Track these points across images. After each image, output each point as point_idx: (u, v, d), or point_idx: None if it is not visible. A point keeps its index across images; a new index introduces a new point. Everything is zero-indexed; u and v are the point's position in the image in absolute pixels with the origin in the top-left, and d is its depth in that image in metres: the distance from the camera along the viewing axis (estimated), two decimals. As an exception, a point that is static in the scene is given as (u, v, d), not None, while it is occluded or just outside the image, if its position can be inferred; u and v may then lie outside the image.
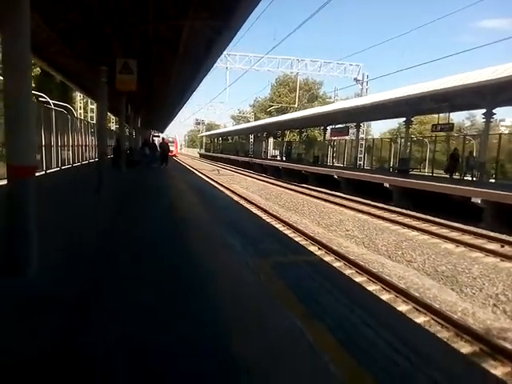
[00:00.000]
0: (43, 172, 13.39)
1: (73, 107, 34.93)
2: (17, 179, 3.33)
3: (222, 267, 3.82)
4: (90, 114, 38.50)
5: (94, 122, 33.61)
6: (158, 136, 55.79)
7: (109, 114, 33.63)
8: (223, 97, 78.68)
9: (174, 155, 50.61)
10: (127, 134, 23.46)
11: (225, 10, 8.17)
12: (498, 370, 4.39)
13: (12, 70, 3.16)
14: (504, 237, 10.69)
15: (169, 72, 15.88)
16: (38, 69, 29.49)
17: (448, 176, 20.41)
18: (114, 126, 41.22)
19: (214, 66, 20.78)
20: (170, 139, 55.66)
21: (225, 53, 29.03)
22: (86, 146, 22.29)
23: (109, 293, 3.01)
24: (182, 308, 2.78)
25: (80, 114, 35.00)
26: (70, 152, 18.34)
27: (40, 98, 23.00)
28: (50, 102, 21.30)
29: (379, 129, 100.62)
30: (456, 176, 20.95)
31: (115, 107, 16.10)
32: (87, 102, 36.21)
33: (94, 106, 37.53)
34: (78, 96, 36.21)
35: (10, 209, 3.31)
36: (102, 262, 3.80)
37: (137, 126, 24.17)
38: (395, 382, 2.00)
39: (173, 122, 52.35)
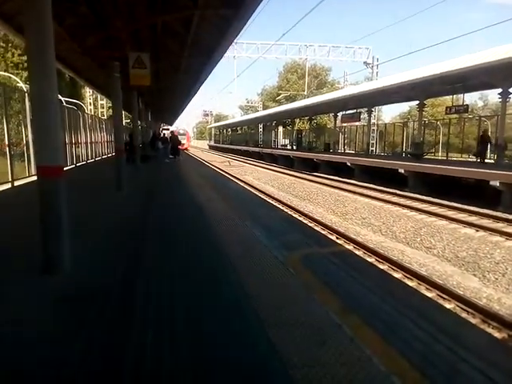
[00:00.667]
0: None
1: (83, 103, 35.15)
2: (47, 179, 3.38)
3: (255, 261, 3.84)
4: (100, 110, 38.76)
5: (105, 117, 33.87)
6: (168, 129, 55.62)
7: (118, 108, 33.82)
8: (231, 87, 78.06)
9: (186, 149, 48.95)
10: (140, 128, 23.55)
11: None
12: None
13: (38, 76, 3.21)
14: (525, 220, 10.54)
15: (178, 64, 15.83)
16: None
17: (479, 161, 18.48)
18: (124, 121, 41.46)
19: (223, 55, 20.60)
20: (181, 131, 53.49)
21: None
22: (98, 142, 22.45)
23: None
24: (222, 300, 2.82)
25: (90, 110, 35.19)
26: (83, 149, 18.50)
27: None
28: (62, 99, 21.46)
29: (390, 113, 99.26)
30: (490, 160, 19.43)
31: (126, 102, 16.12)
32: (96, 97, 36.35)
33: (104, 102, 37.76)
34: (88, 92, 36.37)
35: (41, 208, 3.36)
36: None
37: (147, 120, 24.21)
38: (438, 371, 2.00)
39: (183, 112, 52.48)
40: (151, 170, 15.16)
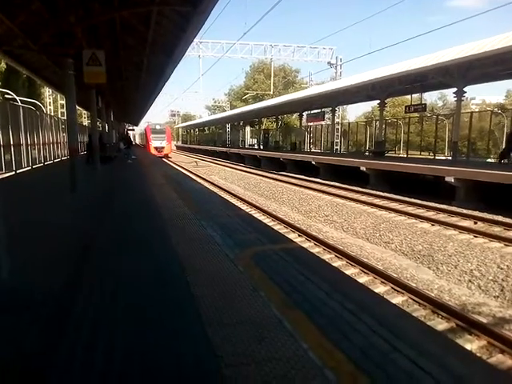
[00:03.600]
0: (13, 172, 12.96)
1: (42, 103, 33.83)
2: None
3: (205, 260, 3.79)
4: (60, 110, 37.43)
5: (65, 117, 32.66)
6: (133, 129, 54.10)
7: (80, 108, 32.80)
8: (197, 87, 77.40)
9: (166, 155, 39.59)
10: (100, 128, 22.90)
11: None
12: (474, 345, 4.55)
13: None
14: (476, 213, 11.03)
15: (139, 62, 15.54)
16: (4, 65, 28.34)
17: (506, 162, 16.03)
18: (86, 121, 40.19)
19: (187, 54, 20.41)
20: (158, 127, 43.56)
21: (196, 40, 28.57)
22: (57, 143, 21.64)
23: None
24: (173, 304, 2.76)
25: (50, 110, 33.91)
26: (41, 150, 17.79)
27: (6, 96, 22.13)
28: (17, 98, 20.55)
29: (355, 112, 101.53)
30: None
31: (85, 101, 15.67)
32: (56, 97, 35.09)
33: (64, 102, 36.45)
34: (47, 92, 35.05)
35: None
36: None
37: (109, 119, 23.58)
38: (372, 362, 2.03)
39: (147, 114, 50.99)
40: (111, 171, 14.78)
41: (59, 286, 3.12)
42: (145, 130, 45.85)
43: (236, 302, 2.81)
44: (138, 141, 61.74)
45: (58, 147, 21.64)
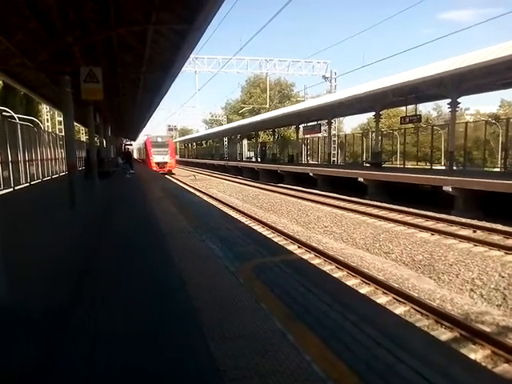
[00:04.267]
0: (11, 189, 12.94)
1: (39, 120, 33.97)
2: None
3: (205, 273, 3.77)
4: (58, 127, 37.59)
5: (63, 134, 32.77)
6: (131, 144, 54.08)
7: (77, 124, 32.95)
8: (194, 101, 77.92)
9: (169, 170, 36.25)
10: (98, 143, 22.98)
11: (189, 12, 8.11)
12: (478, 354, 4.51)
13: None
14: (475, 222, 11.04)
15: (136, 79, 15.67)
16: (1, 82, 28.52)
17: None
18: (84, 137, 40.33)
19: (183, 69, 20.61)
20: (159, 139, 38.45)
21: (192, 56, 28.86)
22: (55, 159, 21.67)
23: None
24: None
25: (47, 126, 34.04)
26: (40, 166, 17.80)
27: (4, 113, 22.21)
28: (15, 116, 20.63)
29: (351, 125, 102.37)
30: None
31: (83, 117, 15.74)
32: (54, 114, 35.28)
33: (62, 118, 36.62)
34: (45, 108, 35.23)
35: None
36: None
37: (107, 135, 23.68)
38: (376, 374, 2.01)
39: (144, 129, 51.07)
40: (110, 186, 14.77)
41: (58, 302, 3.09)
42: (144, 143, 41.35)
43: (238, 315, 2.79)
44: (135, 155, 60.27)
45: (56, 163, 21.67)
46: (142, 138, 57.90)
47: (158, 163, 35.75)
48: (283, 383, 1.95)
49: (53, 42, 9.33)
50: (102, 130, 20.53)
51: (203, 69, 31.88)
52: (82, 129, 41.22)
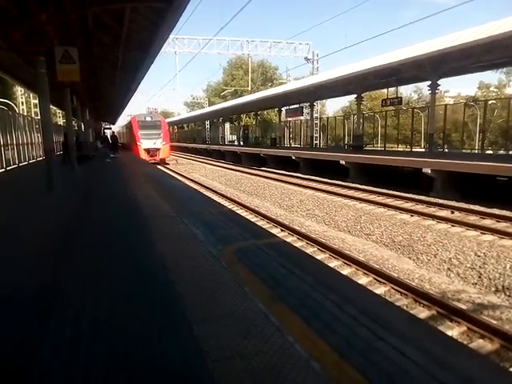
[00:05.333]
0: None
1: (14, 103, 32.85)
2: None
3: (188, 257, 3.76)
4: (34, 110, 36.52)
5: (39, 117, 31.75)
6: (110, 128, 52.90)
7: (54, 107, 31.97)
8: (174, 83, 76.52)
9: (163, 159, 29.21)
10: (76, 127, 22.42)
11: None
12: (454, 331, 4.67)
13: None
14: (453, 203, 11.31)
15: (115, 60, 15.24)
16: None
17: None
18: (61, 121, 39.25)
19: (162, 50, 20.12)
20: (148, 118, 30.38)
21: (172, 37, 28.24)
22: (32, 143, 21.05)
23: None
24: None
25: (22, 110, 32.96)
26: (15, 151, 17.27)
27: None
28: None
29: (333, 107, 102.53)
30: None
31: (59, 100, 15.28)
32: (29, 96, 34.13)
33: (37, 101, 35.47)
34: (19, 91, 34.04)
35: None
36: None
37: (85, 118, 23.08)
38: (356, 351, 2.06)
39: (124, 112, 49.89)
40: (89, 171, 14.48)
41: (37, 286, 3.04)
42: (128, 124, 33.10)
43: (220, 297, 2.80)
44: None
45: (32, 148, 21.06)
46: (121, 121, 56.35)
47: (147, 150, 28.24)
48: (266, 363, 1.97)
49: (26, 21, 8.93)
50: (79, 113, 19.98)
51: (183, 50, 31.25)
52: (59, 112, 40.07)
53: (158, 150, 28.42)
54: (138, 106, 72.17)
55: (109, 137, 25.33)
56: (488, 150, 23.07)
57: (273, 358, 2.02)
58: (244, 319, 2.46)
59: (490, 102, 28.93)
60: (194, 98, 64.52)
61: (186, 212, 6.12)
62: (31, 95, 32.67)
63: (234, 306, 2.66)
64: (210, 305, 2.67)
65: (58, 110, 38.57)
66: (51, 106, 13.17)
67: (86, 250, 4.18)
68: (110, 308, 2.71)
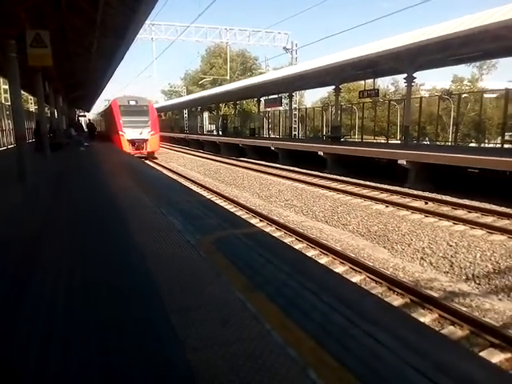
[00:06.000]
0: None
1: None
2: None
3: (166, 246, 3.73)
4: (4, 95, 35.19)
5: (9, 103, 30.61)
6: (85, 115, 51.50)
7: (26, 94, 30.83)
8: (151, 71, 74.96)
9: (152, 153, 25.24)
10: (48, 114, 21.73)
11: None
12: (427, 318, 4.83)
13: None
14: (427, 194, 11.61)
15: (89, 45, 14.80)
16: None
17: None
18: (33, 107, 37.93)
19: (139, 37, 19.66)
20: (132, 102, 25.22)
21: (148, 22, 27.59)
22: (2, 130, 20.31)
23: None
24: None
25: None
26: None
27: None
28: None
29: (312, 98, 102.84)
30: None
31: (31, 86, 14.73)
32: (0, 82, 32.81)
33: (8, 87, 34.10)
34: (-13, 75, 32.63)
35: None
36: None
37: (59, 105, 22.38)
38: (332, 338, 2.10)
39: (99, 100, 48.66)
40: (63, 159, 14.10)
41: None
42: (109, 108, 27.92)
43: (198, 287, 2.79)
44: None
45: (3, 134, 20.34)
46: (97, 108, 54.68)
47: (132, 141, 23.87)
48: (243, 351, 1.99)
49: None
50: (52, 99, 19.35)
51: (160, 36, 30.60)
52: (31, 98, 38.69)
53: (145, 141, 23.96)
54: (113, 93, 70.50)
55: (84, 125, 24.60)
56: (461, 142, 23.70)
57: (250, 346, 2.04)
58: (222, 308, 2.47)
59: (463, 96, 29.62)
60: (171, 86, 63.44)
61: (165, 202, 6.05)
62: (1, 80, 31.41)
63: (212, 295, 2.66)
64: (188, 294, 2.66)
65: (30, 97, 37.22)
66: (23, 92, 12.70)
67: (59, 241, 4.09)
68: (85, 298, 2.67)
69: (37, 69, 11.76)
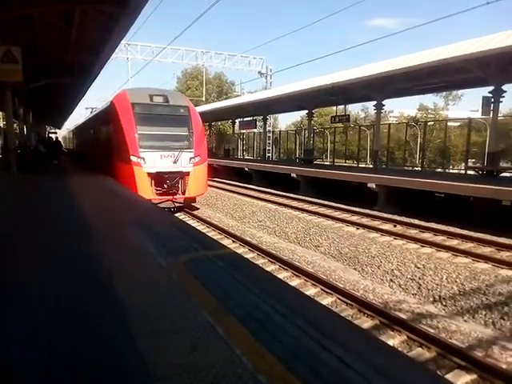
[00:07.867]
0: None
1: None
2: None
3: (136, 267, 3.64)
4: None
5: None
6: (56, 132, 50.24)
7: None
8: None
9: (193, 199, 13.70)
10: (17, 130, 21.13)
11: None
12: (396, 340, 4.88)
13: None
14: (395, 217, 11.90)
15: (62, 62, 14.63)
16: None
17: None
18: (1, 123, 36.78)
19: (114, 56, 19.59)
20: (160, 100, 13.09)
21: (124, 42, 27.61)
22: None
23: None
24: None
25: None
26: None
27: None
28: None
29: (286, 121, 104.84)
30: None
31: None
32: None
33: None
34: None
35: None
36: None
37: (28, 121, 21.82)
38: (302, 363, 2.09)
39: (71, 117, 47.72)
40: (31, 176, 13.64)
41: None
42: (107, 110, 14.96)
43: (168, 310, 2.73)
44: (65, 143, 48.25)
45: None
46: (69, 125, 53.24)
47: (159, 178, 12.70)
48: (212, 378, 1.95)
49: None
50: (21, 115, 18.86)
51: (136, 56, 30.64)
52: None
53: (183, 176, 12.99)
54: (87, 111, 69.13)
55: (54, 142, 24.03)
56: (428, 167, 24.59)
57: (219, 372, 2.00)
58: (191, 332, 2.41)
59: (429, 123, 30.96)
60: (146, 106, 62.93)
61: (135, 221, 5.95)
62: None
63: (181, 318, 2.61)
64: (157, 318, 2.60)
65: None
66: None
67: (23, 263, 3.92)
68: (52, 324, 2.55)
69: (7, 84, 11.49)
